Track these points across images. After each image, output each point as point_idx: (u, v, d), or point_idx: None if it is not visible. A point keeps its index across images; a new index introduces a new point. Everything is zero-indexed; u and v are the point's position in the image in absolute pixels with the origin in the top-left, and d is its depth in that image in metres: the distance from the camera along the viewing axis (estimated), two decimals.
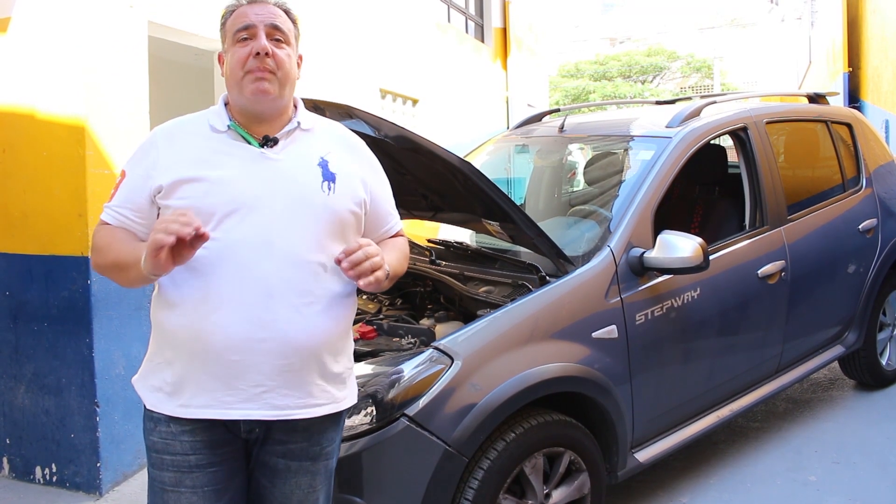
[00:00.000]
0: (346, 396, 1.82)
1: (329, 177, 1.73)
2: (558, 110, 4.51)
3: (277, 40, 1.72)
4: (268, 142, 1.72)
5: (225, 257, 1.63)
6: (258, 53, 1.68)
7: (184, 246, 1.51)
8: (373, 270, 1.64)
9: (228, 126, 1.73)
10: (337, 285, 1.73)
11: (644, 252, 2.86)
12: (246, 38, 1.70)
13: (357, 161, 1.83)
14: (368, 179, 1.83)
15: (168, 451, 1.70)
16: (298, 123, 1.77)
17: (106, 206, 1.73)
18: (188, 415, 1.67)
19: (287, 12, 1.78)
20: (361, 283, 1.65)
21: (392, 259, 1.80)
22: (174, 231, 1.48)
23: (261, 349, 1.63)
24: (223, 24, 1.76)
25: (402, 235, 1.98)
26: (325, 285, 1.70)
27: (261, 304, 1.63)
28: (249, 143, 1.72)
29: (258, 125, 1.74)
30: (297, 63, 1.80)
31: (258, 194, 1.66)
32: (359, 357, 2.64)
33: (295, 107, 1.81)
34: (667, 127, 3.39)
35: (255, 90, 1.68)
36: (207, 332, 1.62)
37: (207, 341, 1.63)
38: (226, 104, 1.78)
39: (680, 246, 2.78)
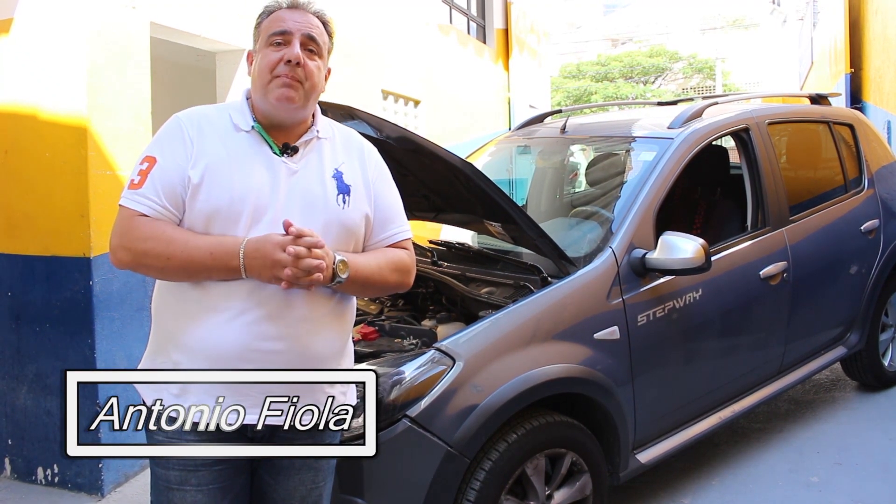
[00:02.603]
0: (348, 400, 1.83)
1: (344, 189, 1.73)
2: (560, 111, 4.51)
3: (310, 51, 1.70)
4: (287, 149, 1.71)
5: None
6: (289, 61, 1.66)
7: None
8: (310, 272, 1.57)
9: (252, 126, 1.71)
10: (345, 294, 1.76)
11: (646, 253, 2.86)
12: (280, 44, 1.68)
13: (368, 169, 1.81)
14: (378, 188, 1.82)
15: None
16: (317, 132, 1.76)
17: (135, 193, 1.62)
18: (194, 418, 1.67)
19: (326, 24, 1.77)
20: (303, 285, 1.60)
21: (369, 264, 1.72)
22: (320, 267, 1.56)
23: (273, 360, 1.64)
24: (258, 24, 1.75)
25: (404, 248, 1.85)
26: (337, 296, 1.73)
27: (275, 315, 1.64)
28: (271, 147, 1.71)
29: (278, 130, 1.73)
30: (325, 76, 1.79)
31: (279, 206, 1.65)
32: (361, 358, 2.64)
33: (313, 114, 1.80)
34: (669, 128, 3.38)
35: (279, 96, 1.67)
36: (221, 341, 1.63)
37: (220, 350, 1.63)
38: (247, 99, 1.76)
39: (682, 247, 2.78)
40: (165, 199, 1.62)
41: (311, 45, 1.71)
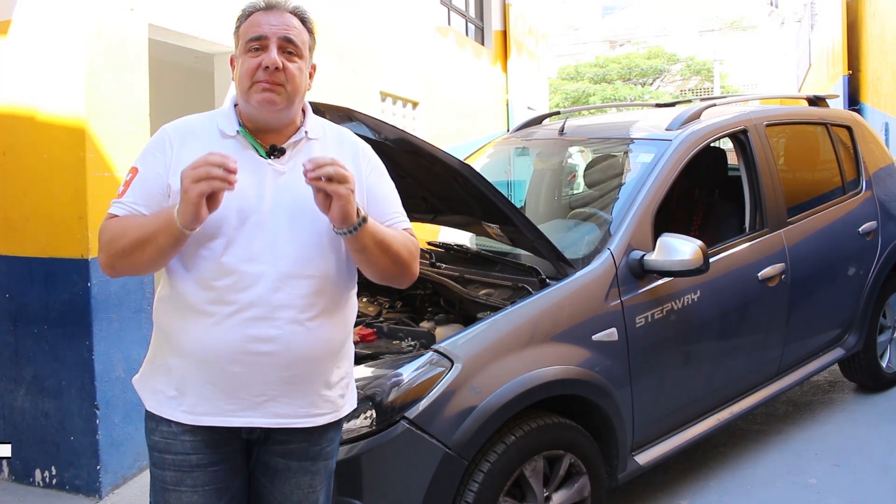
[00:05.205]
0: (347, 403, 1.83)
1: None
2: (558, 113, 4.52)
3: (290, 53, 1.69)
4: (274, 151, 1.71)
5: (231, 270, 1.63)
6: (267, 67, 1.66)
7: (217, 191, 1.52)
8: (339, 181, 1.54)
9: (238, 131, 1.72)
10: (339, 294, 1.74)
11: (644, 255, 2.86)
12: (258, 49, 1.68)
13: (361, 165, 1.80)
14: (371, 181, 1.81)
15: (169, 450, 1.71)
16: (306, 133, 1.75)
17: (116, 201, 1.68)
18: (190, 421, 1.68)
19: (304, 21, 1.75)
20: (324, 187, 1.53)
21: (384, 227, 1.71)
22: (218, 175, 1.48)
23: (264, 362, 1.64)
24: (237, 28, 1.75)
25: (409, 234, 1.84)
26: (328, 296, 1.71)
27: (265, 316, 1.63)
28: (257, 150, 1.71)
29: (265, 133, 1.73)
30: (310, 73, 1.78)
31: (265, 208, 1.65)
32: (359, 360, 2.64)
33: (304, 113, 1.79)
34: (667, 130, 3.39)
35: (261, 100, 1.67)
36: (211, 343, 1.63)
37: (211, 352, 1.63)
38: (235, 105, 1.76)
39: (680, 248, 2.79)
40: (143, 204, 1.66)
41: (289, 48, 1.69)
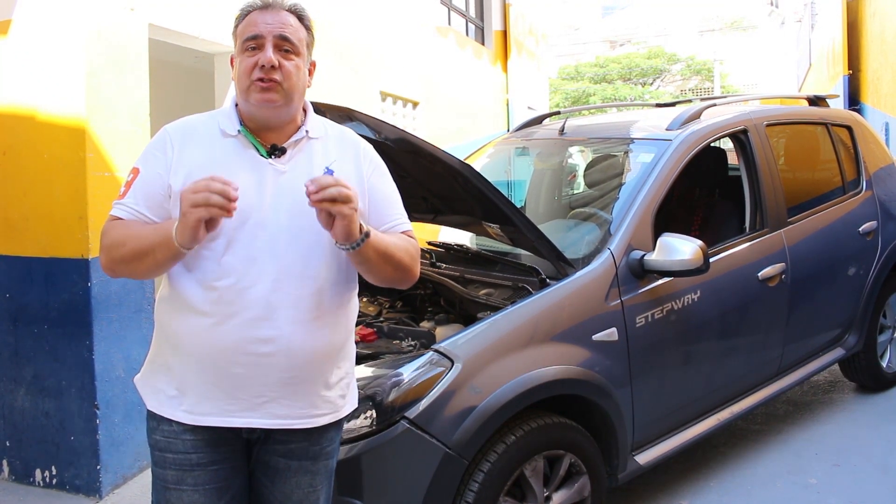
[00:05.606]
0: (347, 403, 1.83)
1: None
2: (559, 113, 4.51)
3: (286, 51, 1.70)
4: (275, 151, 1.71)
5: (231, 271, 1.63)
6: (263, 66, 1.66)
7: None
8: (343, 202, 1.53)
9: (238, 131, 1.72)
10: (340, 294, 1.74)
11: (644, 255, 2.86)
12: (254, 48, 1.69)
13: (362, 165, 1.80)
14: (373, 181, 1.81)
15: (170, 449, 1.71)
16: (307, 132, 1.75)
17: (118, 202, 1.69)
18: (190, 420, 1.68)
19: (301, 18, 1.75)
20: (328, 208, 1.53)
21: (385, 237, 1.71)
22: (217, 203, 1.48)
23: (264, 363, 1.64)
24: (235, 28, 1.75)
25: (409, 237, 1.85)
26: (329, 297, 1.71)
27: (265, 318, 1.63)
28: (258, 150, 1.71)
29: (266, 132, 1.73)
30: (310, 70, 1.78)
31: (265, 208, 1.65)
32: (359, 360, 2.64)
33: (305, 112, 1.79)
34: (667, 129, 3.39)
35: (259, 100, 1.67)
36: (211, 344, 1.63)
37: (211, 353, 1.64)
38: (236, 105, 1.77)
39: (680, 248, 2.79)
40: (145, 205, 1.67)
41: (285, 46, 1.70)
